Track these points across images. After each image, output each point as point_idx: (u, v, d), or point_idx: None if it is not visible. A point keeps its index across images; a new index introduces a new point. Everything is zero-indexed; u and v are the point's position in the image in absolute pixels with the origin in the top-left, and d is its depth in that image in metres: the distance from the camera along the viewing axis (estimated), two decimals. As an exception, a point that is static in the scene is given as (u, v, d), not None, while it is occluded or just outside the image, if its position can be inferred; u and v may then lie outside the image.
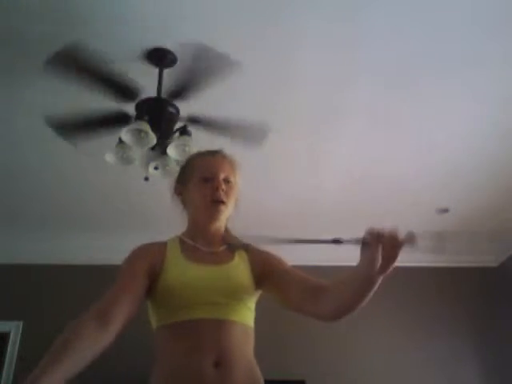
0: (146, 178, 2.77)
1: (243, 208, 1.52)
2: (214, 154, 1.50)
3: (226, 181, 1.44)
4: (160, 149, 2.65)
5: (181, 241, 1.44)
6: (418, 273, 4.56)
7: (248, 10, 2.31)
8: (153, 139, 2.44)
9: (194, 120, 2.68)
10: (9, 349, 4.23)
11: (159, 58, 2.56)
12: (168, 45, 2.51)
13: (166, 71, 2.60)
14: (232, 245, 1.43)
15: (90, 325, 1.14)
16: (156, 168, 2.69)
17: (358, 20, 2.37)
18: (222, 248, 1.43)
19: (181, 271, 1.33)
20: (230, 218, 1.51)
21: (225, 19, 2.37)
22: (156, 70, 2.59)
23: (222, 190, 1.41)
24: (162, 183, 3.33)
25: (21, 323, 4.33)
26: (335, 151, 3.41)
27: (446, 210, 4.18)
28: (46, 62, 2.40)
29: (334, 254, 4.28)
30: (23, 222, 4.35)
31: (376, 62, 2.62)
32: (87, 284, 4.50)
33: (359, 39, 2.48)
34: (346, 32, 2.44)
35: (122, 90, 2.53)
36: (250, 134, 2.71)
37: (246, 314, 1.34)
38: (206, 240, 1.43)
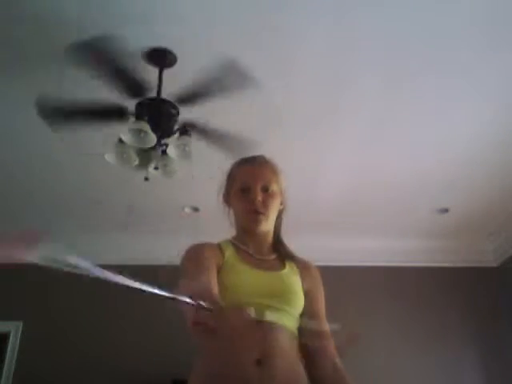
0: (146, 178, 2.77)
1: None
2: (252, 162, 1.49)
3: (265, 189, 1.42)
4: (160, 149, 2.65)
5: (233, 244, 1.44)
6: (418, 273, 4.56)
7: (248, 11, 2.31)
8: (153, 139, 2.44)
9: (188, 126, 2.67)
10: (9, 349, 4.24)
11: (159, 58, 2.56)
12: (168, 45, 2.51)
13: (166, 71, 2.60)
14: (282, 255, 1.45)
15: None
16: (156, 168, 2.69)
17: (359, 21, 2.37)
18: (273, 257, 1.44)
19: (237, 273, 1.34)
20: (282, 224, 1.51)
21: (224, 19, 2.37)
22: (156, 70, 2.59)
23: (259, 200, 1.40)
24: (161, 184, 3.35)
25: (21, 323, 4.33)
26: (335, 152, 3.41)
27: (446, 210, 4.18)
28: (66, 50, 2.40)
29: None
30: (23, 222, 4.35)
31: (376, 63, 2.62)
32: (87, 284, 4.51)
33: (359, 40, 2.48)
34: (347, 33, 2.44)
35: (132, 85, 2.53)
36: (237, 147, 2.70)
37: (294, 323, 1.33)
38: (255, 247, 1.44)
